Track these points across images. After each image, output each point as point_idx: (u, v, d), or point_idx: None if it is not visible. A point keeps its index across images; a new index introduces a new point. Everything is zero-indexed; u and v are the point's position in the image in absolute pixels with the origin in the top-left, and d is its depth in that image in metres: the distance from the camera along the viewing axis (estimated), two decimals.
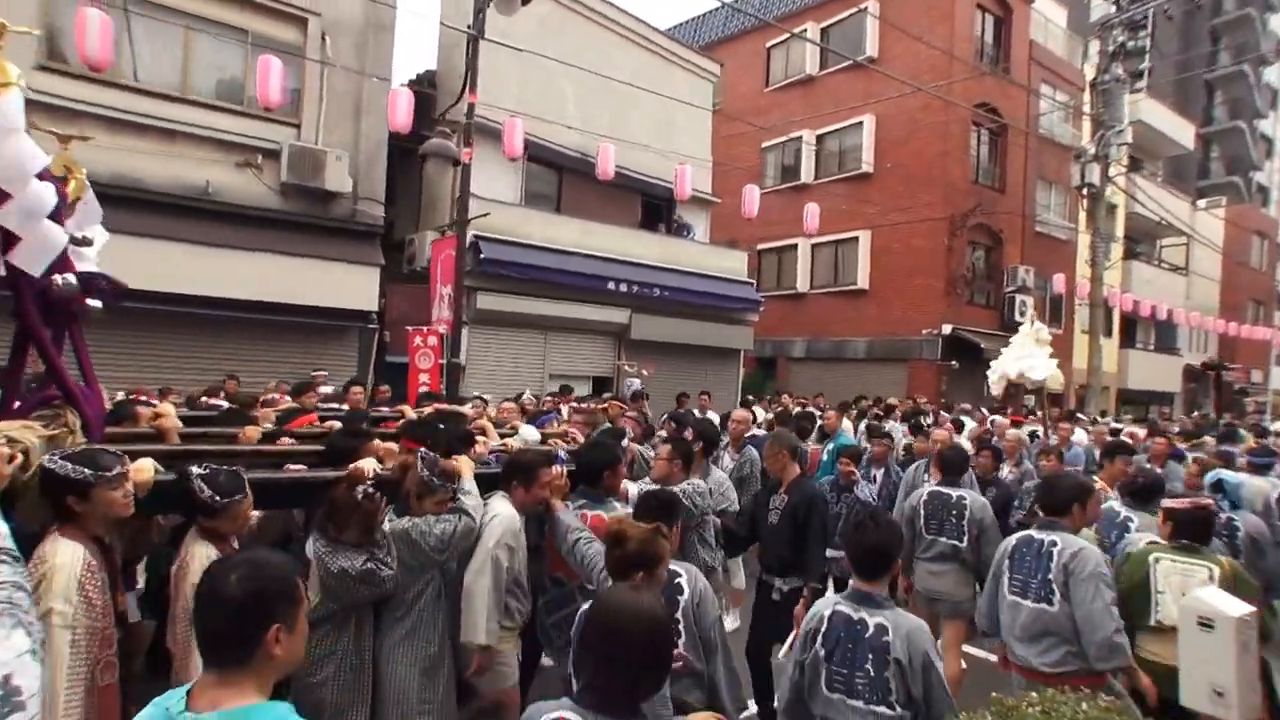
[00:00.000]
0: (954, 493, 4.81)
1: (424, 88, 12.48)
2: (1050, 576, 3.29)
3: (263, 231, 10.01)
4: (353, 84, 10.80)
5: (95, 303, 3.23)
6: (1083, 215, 19.45)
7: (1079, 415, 13.86)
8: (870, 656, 2.47)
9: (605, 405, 7.90)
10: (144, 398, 5.37)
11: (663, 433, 6.67)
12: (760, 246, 21.63)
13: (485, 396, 8.25)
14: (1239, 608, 2.89)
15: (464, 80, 9.88)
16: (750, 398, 14.08)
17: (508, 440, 4.36)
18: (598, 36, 13.93)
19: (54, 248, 2.64)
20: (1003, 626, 3.52)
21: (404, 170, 12.49)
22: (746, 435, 6.63)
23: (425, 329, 9.44)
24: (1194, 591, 3.07)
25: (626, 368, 13.38)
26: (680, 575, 2.73)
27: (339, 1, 10.67)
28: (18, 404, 2.84)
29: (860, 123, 19.50)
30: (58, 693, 2.00)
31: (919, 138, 18.41)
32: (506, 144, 10.37)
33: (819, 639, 2.60)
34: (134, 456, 2.59)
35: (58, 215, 2.83)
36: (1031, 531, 3.54)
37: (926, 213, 17.89)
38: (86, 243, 3.20)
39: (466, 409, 5.77)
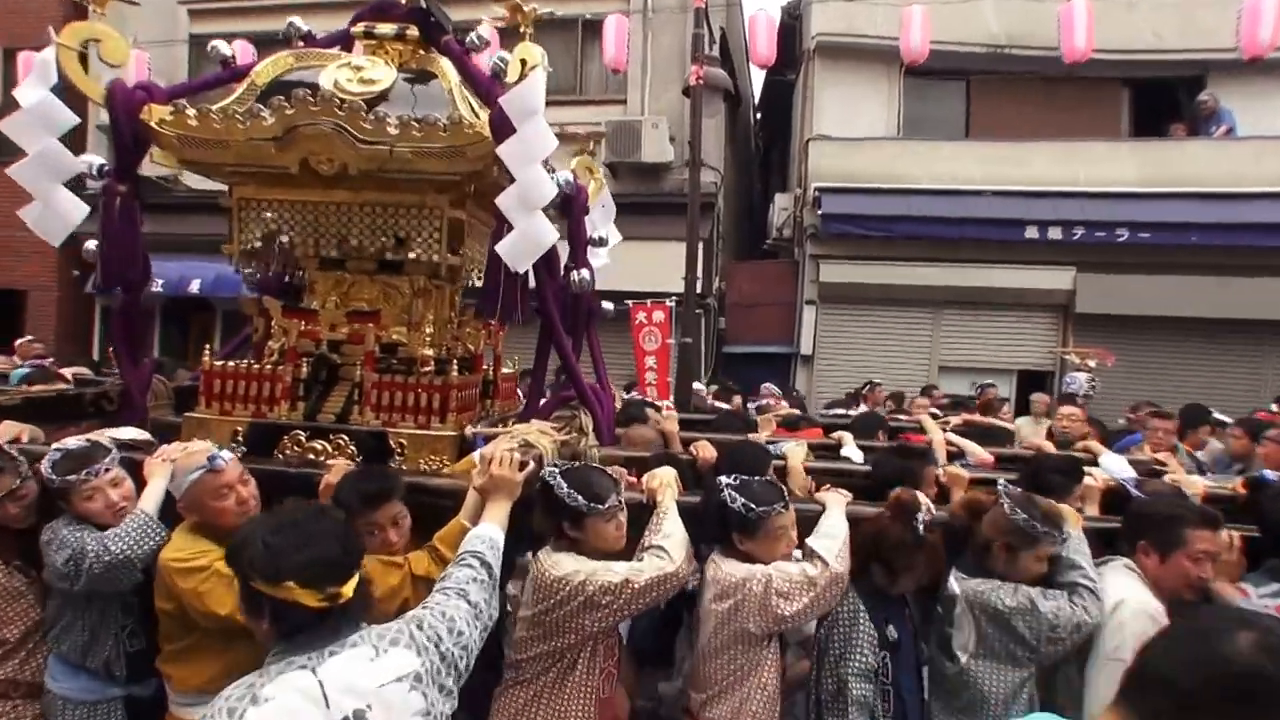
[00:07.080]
0: None
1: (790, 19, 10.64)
2: None
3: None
4: (676, 42, 9.85)
5: (608, 304, 3.33)
6: None
7: None
8: None
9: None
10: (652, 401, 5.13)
11: None
12: None
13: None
14: None
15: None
16: None
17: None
18: None
19: (539, 245, 2.37)
20: None
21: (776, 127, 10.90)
22: None
23: (650, 303, 8.07)
24: None
25: (1070, 357, 9.02)
26: None
27: None
28: (542, 402, 3.00)
29: None
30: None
31: None
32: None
33: None
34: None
35: (575, 216, 2.93)
36: None
37: None
38: (602, 243, 3.32)
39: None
